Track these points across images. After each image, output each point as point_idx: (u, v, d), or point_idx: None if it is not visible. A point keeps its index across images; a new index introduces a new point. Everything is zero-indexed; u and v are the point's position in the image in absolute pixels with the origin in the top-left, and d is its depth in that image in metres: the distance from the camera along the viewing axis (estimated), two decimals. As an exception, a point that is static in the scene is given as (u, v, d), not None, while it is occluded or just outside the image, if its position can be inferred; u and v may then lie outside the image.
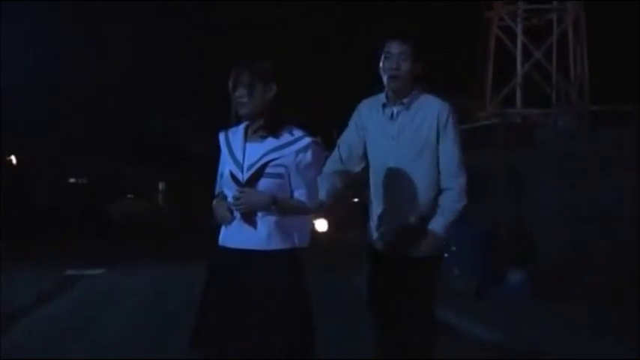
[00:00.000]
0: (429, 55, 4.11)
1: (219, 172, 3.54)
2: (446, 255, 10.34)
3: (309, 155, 3.35)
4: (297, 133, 3.39)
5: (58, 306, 9.18)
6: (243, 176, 3.35)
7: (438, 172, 3.98)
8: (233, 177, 3.38)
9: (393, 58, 3.98)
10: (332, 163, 4.16)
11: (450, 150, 3.95)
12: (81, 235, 19.12)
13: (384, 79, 4.03)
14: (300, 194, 3.38)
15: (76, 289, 10.63)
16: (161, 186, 36.93)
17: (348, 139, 4.19)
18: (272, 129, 3.37)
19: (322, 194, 3.74)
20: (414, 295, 3.97)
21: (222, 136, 3.50)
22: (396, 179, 3.98)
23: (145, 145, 31.26)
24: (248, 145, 3.39)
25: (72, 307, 9.16)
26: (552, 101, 23.38)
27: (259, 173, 3.32)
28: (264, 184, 3.32)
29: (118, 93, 28.61)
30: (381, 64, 4.03)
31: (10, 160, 22.64)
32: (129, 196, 35.09)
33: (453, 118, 3.98)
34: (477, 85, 26.54)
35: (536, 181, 9.88)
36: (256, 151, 3.36)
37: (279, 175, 3.33)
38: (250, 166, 3.35)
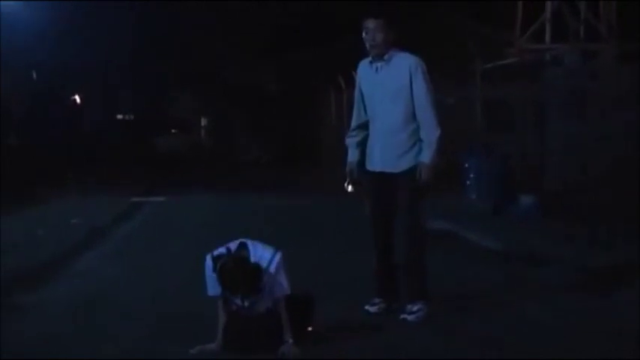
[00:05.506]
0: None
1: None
2: (468, 182, 11.72)
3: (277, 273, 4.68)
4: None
5: (134, 224, 10.83)
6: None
7: (414, 107, 5.35)
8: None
9: (370, 32, 5.38)
10: (356, 114, 5.61)
11: (418, 90, 5.34)
12: (135, 168, 20.69)
13: (367, 46, 5.45)
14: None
15: (143, 213, 12.21)
16: (203, 122, 38.40)
17: (357, 94, 5.62)
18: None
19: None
20: (406, 200, 5.34)
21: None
22: (383, 115, 5.41)
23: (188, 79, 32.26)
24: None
25: (143, 227, 10.72)
26: (581, 37, 23.93)
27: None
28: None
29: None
30: (363, 36, 5.44)
31: (75, 100, 24.09)
32: (173, 131, 36.74)
33: (422, 68, 5.35)
34: (507, 20, 27.00)
35: (547, 114, 11.09)
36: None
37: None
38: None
